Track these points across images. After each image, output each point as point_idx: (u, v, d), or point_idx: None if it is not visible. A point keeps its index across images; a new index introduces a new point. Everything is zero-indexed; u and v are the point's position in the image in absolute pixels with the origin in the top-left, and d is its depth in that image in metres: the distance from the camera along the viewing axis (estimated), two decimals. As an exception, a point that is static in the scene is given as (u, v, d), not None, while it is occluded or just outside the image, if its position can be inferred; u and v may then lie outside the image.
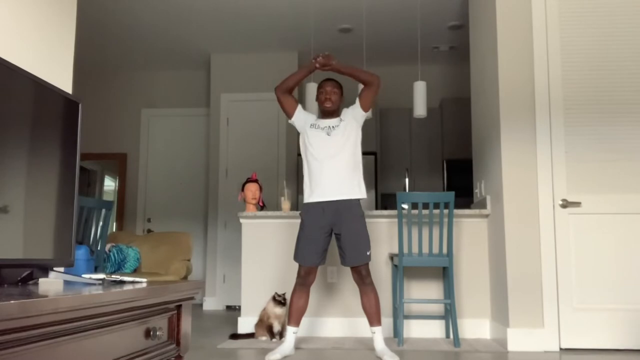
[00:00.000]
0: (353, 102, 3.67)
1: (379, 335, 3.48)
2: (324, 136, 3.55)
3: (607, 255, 3.73)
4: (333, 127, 3.57)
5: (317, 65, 3.56)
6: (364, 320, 4.28)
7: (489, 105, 4.22)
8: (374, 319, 3.50)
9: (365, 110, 3.60)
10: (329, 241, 3.56)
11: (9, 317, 0.93)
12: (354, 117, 3.60)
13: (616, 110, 3.82)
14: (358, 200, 3.53)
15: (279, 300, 4.02)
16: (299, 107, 3.70)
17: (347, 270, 4.35)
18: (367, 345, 3.88)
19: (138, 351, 1.49)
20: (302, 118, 3.68)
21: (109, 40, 6.35)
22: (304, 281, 3.55)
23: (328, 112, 3.61)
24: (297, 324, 3.56)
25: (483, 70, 4.43)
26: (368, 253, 3.49)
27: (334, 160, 3.50)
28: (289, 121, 3.76)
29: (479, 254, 4.34)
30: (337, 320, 4.34)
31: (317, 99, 3.65)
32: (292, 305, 3.56)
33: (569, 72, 3.87)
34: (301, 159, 6.26)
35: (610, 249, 3.73)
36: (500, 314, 3.96)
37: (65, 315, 1.11)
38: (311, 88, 5.37)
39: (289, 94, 3.68)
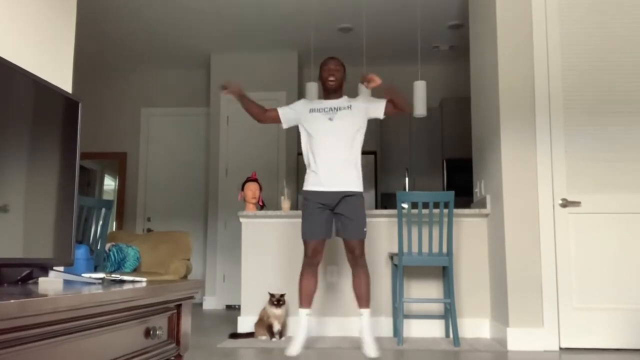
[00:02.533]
0: (355, 91, 3.68)
1: (366, 318, 3.51)
2: (326, 121, 3.53)
3: (607, 254, 3.73)
4: (335, 109, 3.55)
5: (366, 82, 3.49)
6: (363, 320, 4.29)
7: (489, 104, 4.22)
8: (363, 300, 3.53)
9: (383, 116, 3.62)
10: (332, 219, 3.57)
11: (9, 317, 0.93)
12: (367, 109, 3.59)
13: (616, 109, 3.82)
14: (359, 191, 3.54)
15: (273, 301, 4.00)
16: (280, 110, 3.71)
17: (348, 270, 4.35)
18: (366, 344, 3.88)
19: (138, 350, 1.49)
20: (292, 113, 3.69)
21: (109, 39, 6.35)
22: (311, 261, 3.56)
23: (331, 89, 3.59)
24: (309, 305, 3.58)
25: (483, 70, 4.43)
26: (364, 229, 3.53)
27: (336, 147, 3.49)
28: (283, 128, 3.80)
29: (479, 254, 4.34)
30: (337, 319, 4.34)
31: (320, 76, 3.63)
32: (302, 288, 3.57)
33: (568, 71, 3.87)
34: (301, 158, 6.28)
35: (610, 249, 3.73)
36: (500, 314, 3.96)
37: (65, 314, 1.11)
38: (311, 87, 5.37)
39: (264, 115, 3.71)
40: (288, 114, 3.69)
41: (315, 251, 3.55)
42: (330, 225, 3.58)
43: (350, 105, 3.58)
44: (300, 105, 3.70)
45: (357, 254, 3.52)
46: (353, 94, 5.43)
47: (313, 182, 3.54)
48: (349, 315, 4.34)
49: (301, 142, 3.68)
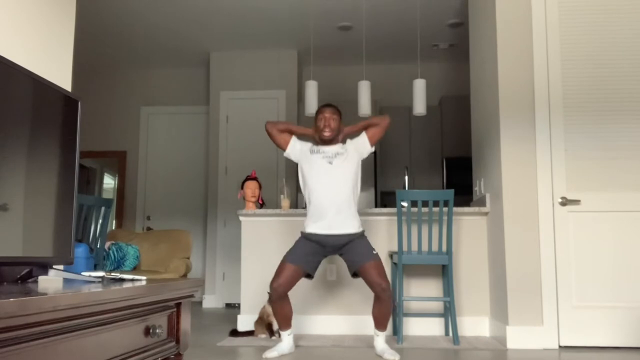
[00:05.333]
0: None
1: (381, 339, 3.47)
2: (326, 164, 3.46)
3: (607, 252, 3.73)
4: (335, 154, 3.49)
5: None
6: (363, 318, 4.29)
7: (489, 103, 4.22)
8: (381, 324, 3.46)
9: (372, 145, 3.58)
10: (321, 260, 3.52)
11: (9, 315, 0.93)
12: (356, 150, 3.54)
13: (616, 107, 3.83)
14: (361, 232, 3.48)
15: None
16: (293, 138, 3.61)
17: (346, 268, 4.35)
18: (366, 342, 3.88)
19: (138, 349, 1.49)
20: (298, 148, 3.59)
21: (108, 38, 6.34)
22: (278, 292, 3.37)
23: (326, 140, 3.53)
24: (288, 327, 3.53)
25: (483, 68, 4.43)
26: (374, 252, 3.42)
27: (336, 191, 3.43)
28: (284, 154, 3.66)
29: (479, 252, 4.35)
30: (336, 317, 4.35)
31: (315, 125, 3.56)
32: (279, 314, 3.47)
33: (568, 69, 3.87)
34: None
35: (610, 247, 3.73)
36: (500, 312, 3.96)
37: (65, 313, 1.11)
38: (311, 86, 5.37)
39: (281, 137, 3.60)
40: (296, 145, 3.58)
41: (288, 280, 3.36)
42: (316, 264, 3.48)
43: (347, 149, 3.54)
44: (302, 145, 3.61)
45: (376, 280, 3.31)
46: (351, 101, 5.42)
47: (314, 227, 3.45)
48: (348, 313, 4.34)
49: (299, 182, 3.60)
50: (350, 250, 3.43)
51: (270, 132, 3.61)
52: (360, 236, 3.46)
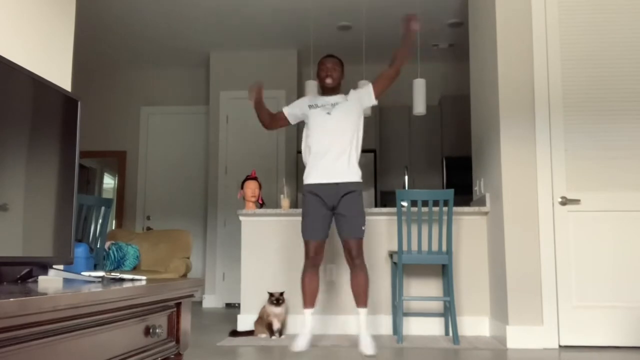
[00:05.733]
0: (351, 88, 3.69)
1: (363, 316, 3.52)
2: (324, 115, 3.55)
3: (607, 252, 3.73)
4: (333, 104, 3.57)
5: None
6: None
7: (489, 102, 4.22)
8: (361, 299, 3.53)
9: (377, 97, 3.63)
10: (332, 218, 3.59)
11: (9, 315, 0.93)
12: (359, 100, 3.60)
13: (615, 107, 3.82)
14: (358, 182, 3.54)
15: (272, 300, 4.01)
16: (285, 110, 3.75)
17: (346, 268, 4.35)
18: (366, 342, 3.88)
19: (137, 349, 1.49)
20: (297, 111, 3.72)
21: (108, 38, 6.34)
22: (313, 262, 3.56)
23: (328, 88, 3.60)
24: (313, 305, 3.60)
25: (483, 68, 4.43)
26: (363, 228, 3.52)
27: (334, 139, 3.50)
28: (292, 123, 3.81)
29: (478, 252, 4.35)
30: (336, 318, 4.35)
31: (318, 75, 3.64)
32: (305, 289, 3.58)
33: (568, 69, 3.87)
34: (300, 156, 6.28)
35: (610, 247, 3.73)
36: (500, 312, 3.96)
37: (65, 313, 1.11)
38: (311, 86, 5.36)
39: (273, 120, 3.74)
40: (293, 109, 3.72)
41: (316, 252, 3.55)
42: (329, 225, 3.59)
43: (347, 99, 3.62)
44: (301, 102, 3.74)
45: (354, 254, 3.51)
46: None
47: (312, 176, 3.54)
48: (349, 313, 4.34)
49: (302, 140, 3.70)
50: (344, 211, 3.49)
51: (268, 127, 3.77)
52: (357, 193, 3.51)
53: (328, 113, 3.54)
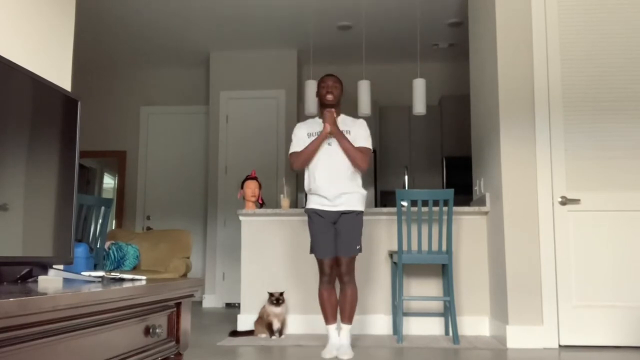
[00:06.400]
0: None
1: (345, 333, 3.49)
2: (324, 146, 3.50)
3: (606, 252, 3.73)
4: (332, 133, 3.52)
5: (326, 102, 3.53)
6: (362, 318, 4.29)
7: (489, 102, 4.22)
8: (346, 315, 3.51)
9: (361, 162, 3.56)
10: (335, 236, 3.56)
11: (8, 315, 0.93)
12: (354, 133, 3.56)
13: (615, 107, 3.82)
14: (361, 210, 3.51)
15: (272, 300, 4.01)
16: (297, 149, 3.59)
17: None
18: (363, 342, 3.88)
19: (137, 349, 1.49)
20: (301, 144, 3.58)
21: (108, 37, 6.34)
22: (329, 278, 3.54)
23: (329, 106, 3.60)
24: (335, 319, 3.55)
25: (482, 68, 4.43)
26: (357, 247, 3.49)
27: (336, 170, 3.46)
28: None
29: (478, 252, 4.34)
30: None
31: (318, 93, 3.63)
32: (325, 304, 3.54)
33: (568, 69, 3.87)
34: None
35: (610, 246, 3.73)
36: (500, 311, 3.96)
37: (65, 312, 1.11)
38: (311, 86, 5.36)
39: (303, 165, 3.60)
40: (300, 142, 3.59)
41: (330, 268, 3.53)
42: (334, 242, 3.52)
43: (349, 131, 3.55)
44: (300, 133, 3.62)
45: (344, 270, 3.48)
46: (350, 100, 5.42)
47: (315, 203, 3.51)
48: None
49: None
50: (341, 229, 3.48)
51: (295, 169, 3.66)
52: (357, 215, 3.50)
53: (328, 144, 3.51)
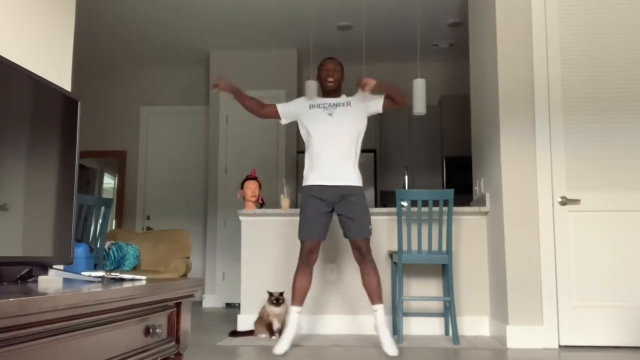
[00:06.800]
0: (353, 89, 3.69)
1: (380, 314, 3.51)
2: (325, 116, 3.55)
3: (607, 252, 3.73)
4: (335, 105, 3.58)
5: (361, 88, 3.49)
6: (363, 317, 4.29)
7: (489, 102, 4.22)
8: (375, 296, 3.53)
9: (383, 110, 3.63)
10: (330, 218, 3.60)
11: (8, 315, 0.93)
12: (365, 107, 3.59)
13: (615, 107, 3.82)
14: (359, 186, 3.55)
15: (272, 300, 4.01)
16: (279, 106, 3.74)
17: (347, 268, 4.35)
18: (367, 342, 3.88)
19: (137, 349, 1.49)
20: (291, 109, 3.71)
21: (108, 37, 6.34)
22: (307, 260, 3.56)
23: (330, 89, 3.60)
24: (301, 303, 3.58)
25: (482, 68, 4.43)
26: (370, 227, 3.52)
27: (335, 141, 3.51)
28: (282, 124, 3.82)
29: (478, 252, 4.35)
30: (336, 317, 4.35)
31: (319, 77, 3.65)
32: (296, 285, 3.57)
33: (568, 69, 3.87)
34: (300, 156, 6.28)
35: (610, 246, 3.73)
36: (500, 311, 3.96)
37: (65, 312, 1.11)
38: (310, 86, 5.35)
39: (261, 109, 3.72)
40: (287, 109, 3.72)
41: (310, 252, 3.55)
42: (327, 227, 3.58)
43: (350, 102, 3.60)
44: (300, 101, 3.73)
45: (364, 251, 3.52)
46: (352, 92, 5.42)
47: (313, 177, 3.54)
48: (349, 312, 4.34)
49: (303, 138, 3.70)
50: (349, 213, 3.50)
51: (258, 115, 3.77)
52: (360, 195, 3.52)
53: (330, 114, 3.55)
